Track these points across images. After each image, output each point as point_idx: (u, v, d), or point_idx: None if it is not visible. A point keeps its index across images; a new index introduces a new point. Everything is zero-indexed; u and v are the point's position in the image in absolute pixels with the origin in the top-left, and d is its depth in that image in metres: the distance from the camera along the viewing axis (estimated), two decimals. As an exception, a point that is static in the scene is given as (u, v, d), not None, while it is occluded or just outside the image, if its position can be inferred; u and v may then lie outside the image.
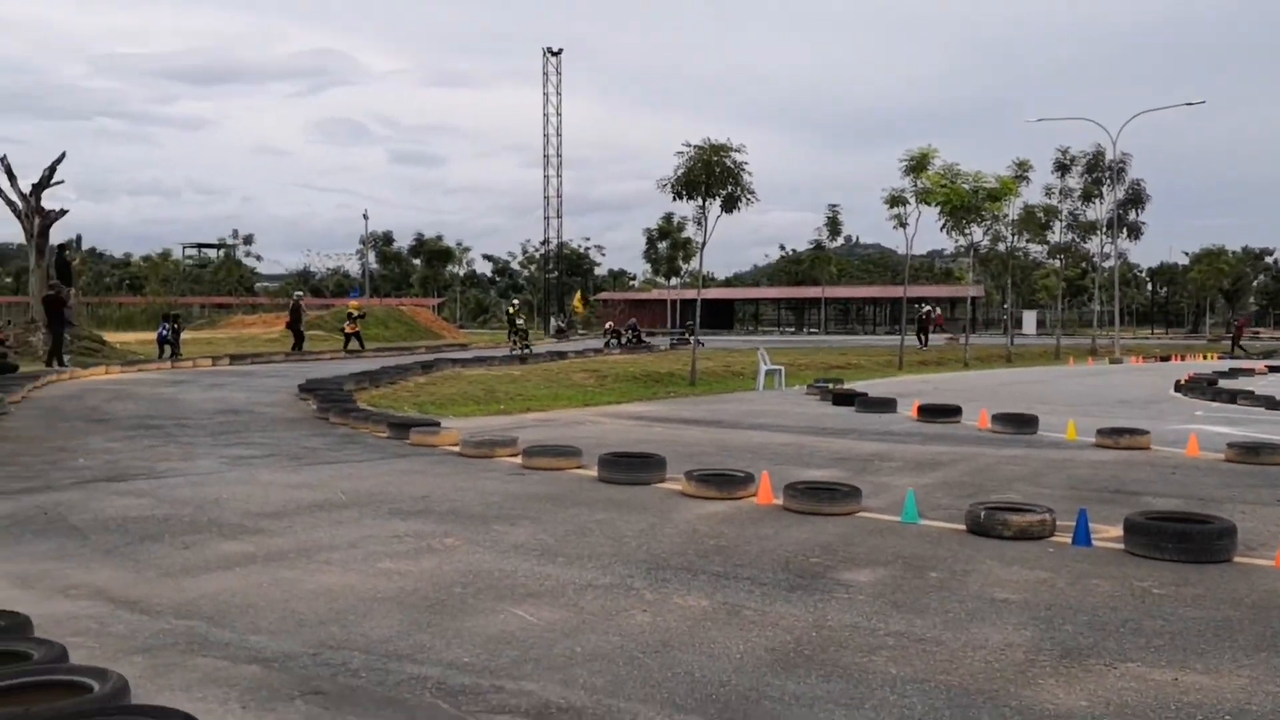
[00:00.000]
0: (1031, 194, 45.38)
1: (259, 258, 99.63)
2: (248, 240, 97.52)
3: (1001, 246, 44.89)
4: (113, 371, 27.01)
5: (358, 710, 4.86)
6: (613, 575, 7.38)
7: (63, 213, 31.83)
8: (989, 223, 37.54)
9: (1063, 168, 44.42)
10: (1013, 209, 40.19)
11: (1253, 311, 75.25)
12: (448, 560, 7.79)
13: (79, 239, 32.23)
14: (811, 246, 73.62)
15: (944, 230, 35.57)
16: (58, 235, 32.11)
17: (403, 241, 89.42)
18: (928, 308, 44.16)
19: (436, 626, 6.17)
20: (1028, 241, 46.94)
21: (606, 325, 47.57)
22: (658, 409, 20.48)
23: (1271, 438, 14.22)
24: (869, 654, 5.75)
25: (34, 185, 30.79)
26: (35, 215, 30.73)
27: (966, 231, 36.64)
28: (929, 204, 33.40)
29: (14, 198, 30.63)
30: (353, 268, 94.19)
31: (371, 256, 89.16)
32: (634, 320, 47.26)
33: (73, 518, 9.18)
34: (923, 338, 39.28)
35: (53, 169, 31.17)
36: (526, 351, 33.84)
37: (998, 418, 16.63)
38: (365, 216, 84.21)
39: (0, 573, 7.25)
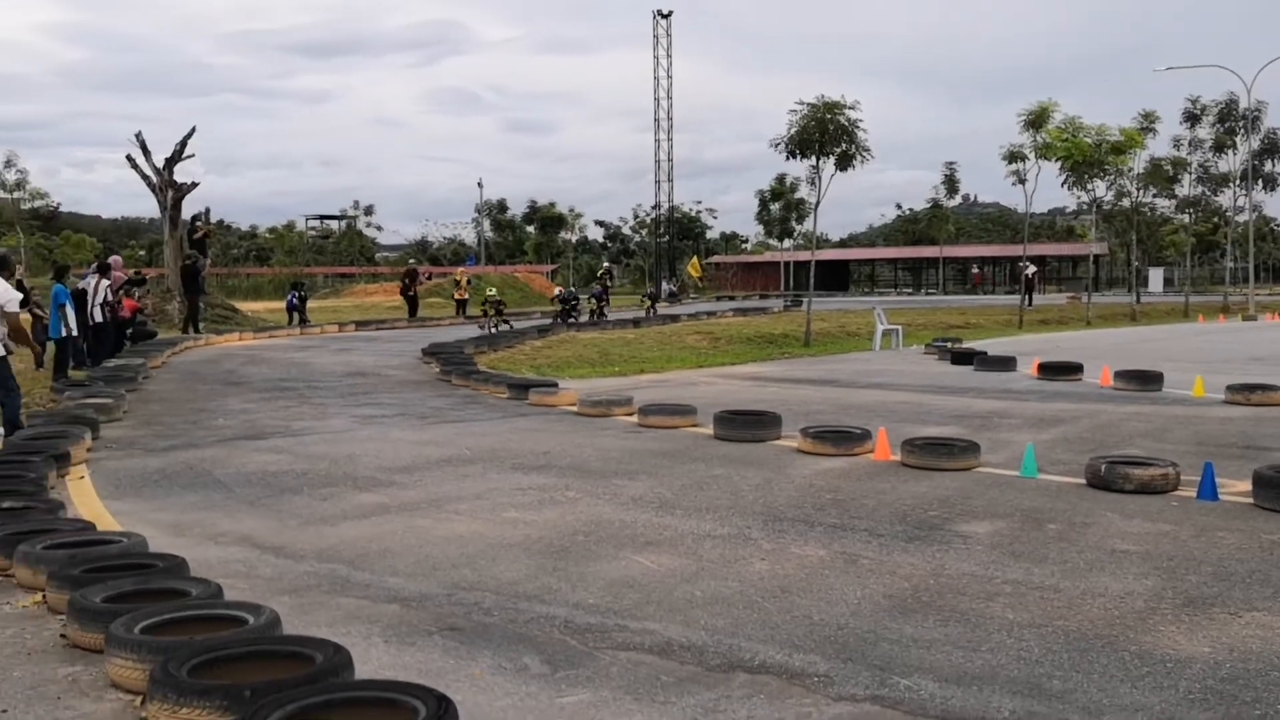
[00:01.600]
0: (1158, 146, 43.73)
1: (379, 228, 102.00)
2: (368, 211, 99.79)
3: (1126, 202, 43.48)
4: (245, 338, 28.13)
5: (491, 645, 5.13)
6: (730, 526, 7.55)
7: (194, 185, 33.11)
8: (1113, 177, 36.40)
9: (1193, 118, 42.67)
10: (1138, 162, 38.88)
11: None
12: (570, 511, 8.06)
13: (207, 211, 33.59)
14: (929, 205, 72.39)
15: (1065, 186, 34.65)
16: (189, 208, 33.39)
17: (516, 209, 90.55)
18: (1031, 268, 42.84)
19: (561, 571, 6.43)
20: (1154, 196, 45.36)
21: (555, 293, 37.78)
22: (772, 369, 20.53)
23: None
24: (986, 600, 5.82)
25: (166, 160, 32.06)
26: (168, 189, 32.01)
27: (1089, 187, 35.62)
28: (1049, 159, 32.51)
29: (149, 172, 31.94)
30: (468, 236, 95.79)
31: (486, 224, 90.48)
32: (602, 286, 38.69)
33: (217, 472, 9.72)
34: (1028, 297, 38.30)
35: (183, 144, 32.40)
36: (505, 328, 29.65)
37: (1121, 375, 16.28)
38: (480, 185, 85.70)
39: (155, 521, 7.75)
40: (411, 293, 37.55)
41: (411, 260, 43.86)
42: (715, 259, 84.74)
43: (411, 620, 5.52)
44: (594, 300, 36.65)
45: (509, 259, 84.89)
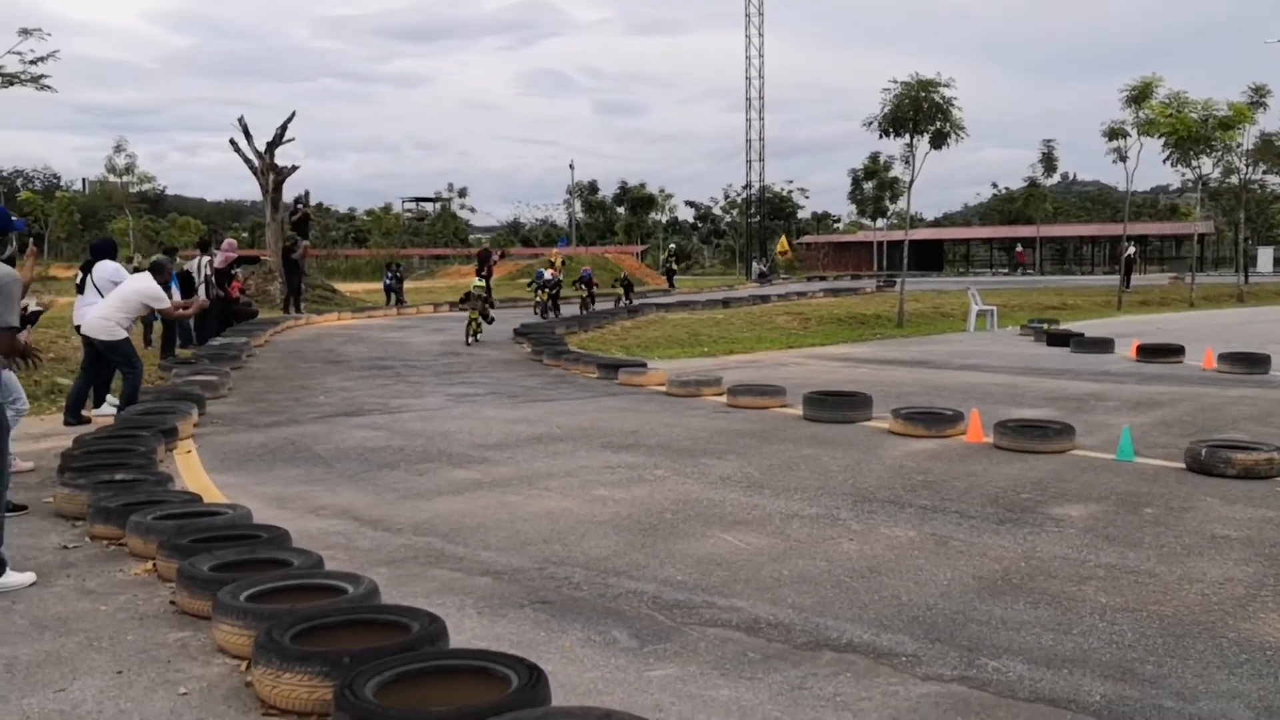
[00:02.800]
0: (1269, 121, 42.11)
1: (473, 210, 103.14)
2: (462, 193, 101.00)
3: (1234, 179, 42.03)
4: (344, 318, 28.77)
5: (581, 619, 5.23)
6: (819, 506, 7.56)
7: (294, 169, 33.86)
8: (1220, 154, 35.20)
9: (1307, 91, 41.07)
10: (1247, 138, 37.52)
11: None
12: (658, 489, 8.14)
13: (307, 194, 34.24)
14: (1025, 184, 70.79)
15: (1168, 163, 33.62)
16: (289, 191, 34.15)
17: (607, 190, 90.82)
18: (1132, 248, 41.52)
19: (650, 548, 6.51)
20: (1265, 173, 43.78)
21: (547, 276, 29.48)
22: (863, 350, 20.37)
23: None
24: (1079, 584, 5.75)
25: (268, 144, 32.83)
26: (270, 172, 32.81)
27: (1194, 164, 34.51)
28: (1152, 136, 31.58)
29: (251, 156, 32.75)
30: (559, 218, 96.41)
31: (577, 206, 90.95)
32: (586, 272, 32.42)
33: (317, 448, 10.00)
34: (1126, 279, 37.17)
35: (284, 128, 33.14)
36: (487, 320, 21.77)
37: (1225, 357, 15.82)
38: (571, 167, 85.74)
39: (258, 494, 8.02)
40: (485, 273, 37.41)
41: (483, 240, 44.41)
42: (806, 239, 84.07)
43: (503, 593, 5.65)
44: (583, 286, 31.25)
45: (600, 240, 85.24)
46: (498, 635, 4.97)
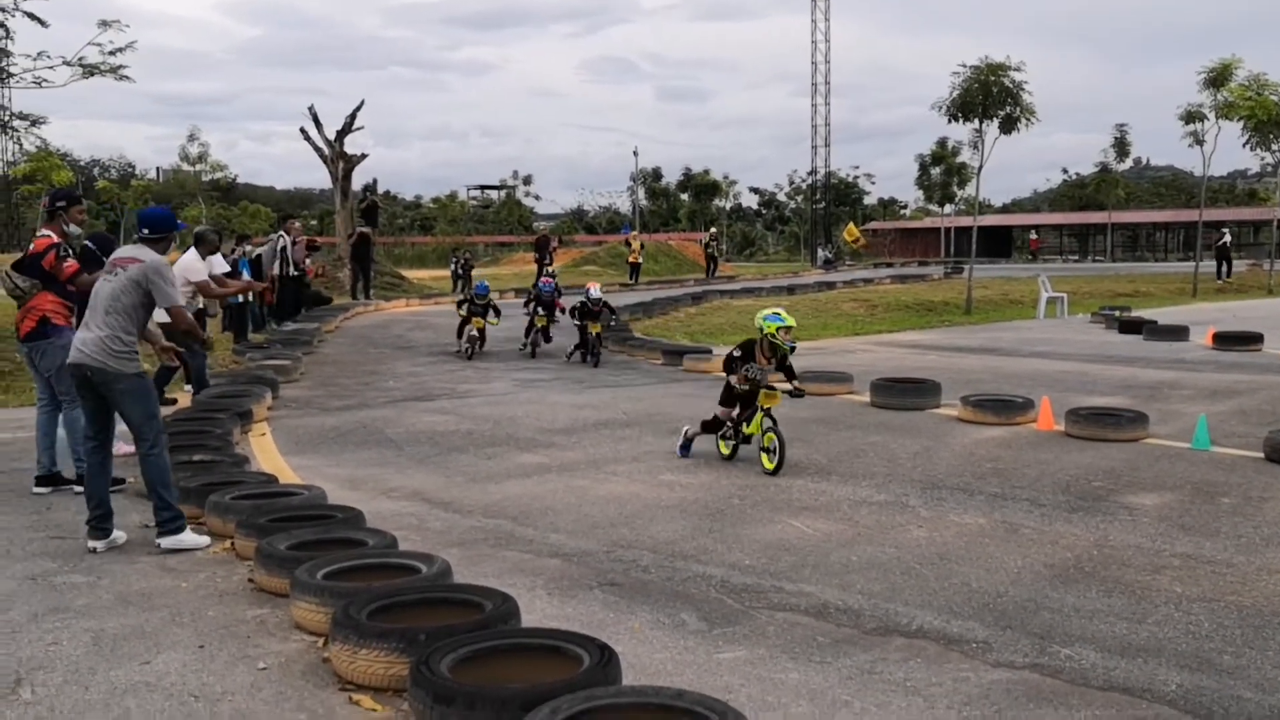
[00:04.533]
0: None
1: (537, 197, 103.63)
2: (527, 181, 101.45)
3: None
4: (412, 304, 29.06)
5: (650, 601, 5.27)
6: (887, 493, 7.52)
7: (363, 157, 34.20)
8: (1301, 137, 34.18)
9: (1393, 71, 39.82)
10: (1331, 120, 36.44)
11: None
12: (725, 475, 8.15)
13: (375, 183, 34.93)
14: (1097, 169, 69.38)
15: (1248, 147, 32.74)
16: (358, 179, 34.58)
17: (671, 177, 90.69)
18: (1227, 235, 40.45)
19: (717, 532, 6.53)
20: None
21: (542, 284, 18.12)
22: (931, 337, 20.16)
23: None
24: (1153, 573, 5.68)
25: (337, 132, 33.20)
26: (339, 160, 33.19)
27: (1274, 148, 33.57)
28: (1230, 119, 30.78)
29: (320, 144, 33.16)
30: (623, 205, 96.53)
31: (641, 193, 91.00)
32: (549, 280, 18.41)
33: (388, 431, 10.15)
34: (1224, 268, 36.22)
35: (353, 116, 33.49)
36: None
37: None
38: (635, 154, 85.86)
39: (332, 475, 8.17)
40: (547, 261, 37.25)
41: (541, 226, 44.50)
42: (873, 225, 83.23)
43: (573, 574, 5.71)
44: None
45: (663, 227, 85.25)
46: (568, 616, 5.03)
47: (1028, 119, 24.24)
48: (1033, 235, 70.88)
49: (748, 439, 8.48)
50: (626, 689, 3.68)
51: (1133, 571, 5.71)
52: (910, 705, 4.06)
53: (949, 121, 24.89)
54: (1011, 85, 23.90)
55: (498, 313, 16.88)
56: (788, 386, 8.46)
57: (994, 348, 17.83)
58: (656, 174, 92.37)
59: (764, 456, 8.16)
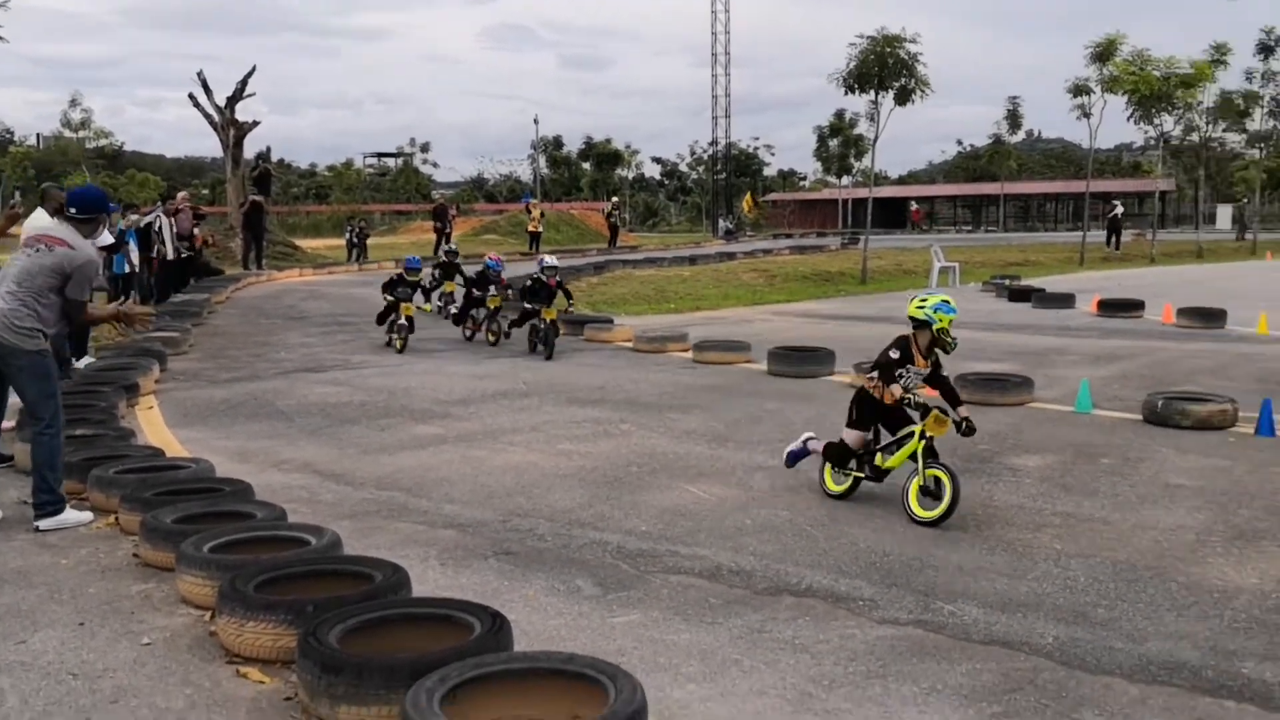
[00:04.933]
0: (1230, 79, 42.29)
1: (436, 165, 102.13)
2: (424, 148, 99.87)
3: (1195, 137, 42.35)
4: (305, 274, 28.50)
5: (545, 569, 5.27)
6: (782, 459, 7.62)
7: (255, 124, 33.36)
8: (1181, 111, 35.38)
9: (1266, 50, 41.18)
10: (1208, 96, 37.72)
11: None
12: (624, 443, 8.18)
13: (268, 150, 33.87)
14: (990, 141, 70.88)
15: (1131, 120, 33.78)
16: (250, 147, 33.67)
17: (572, 146, 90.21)
18: (1120, 207, 41.67)
19: (615, 500, 6.56)
20: (1224, 131, 44.08)
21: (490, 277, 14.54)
22: (828, 307, 20.46)
23: None
24: (1034, 531, 5.86)
25: (228, 99, 32.30)
26: (230, 127, 32.30)
27: (1156, 121, 34.69)
28: (1116, 93, 31.72)
29: (211, 111, 32.23)
30: (524, 173, 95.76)
31: (542, 161, 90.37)
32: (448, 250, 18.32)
33: (279, 403, 9.96)
34: (1114, 239, 37.37)
35: (244, 82, 32.60)
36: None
37: (1183, 312, 16.03)
38: (536, 121, 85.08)
39: (221, 448, 7.99)
40: (444, 228, 36.46)
41: (440, 195, 44.01)
42: (772, 196, 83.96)
43: (467, 544, 5.68)
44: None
45: (565, 196, 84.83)
46: (461, 585, 5.00)
47: (922, 90, 24.65)
48: (913, 206, 72.02)
49: (880, 474, 6.42)
50: (518, 655, 3.68)
51: (1015, 530, 5.89)
52: (798, 662, 4.14)
53: (846, 93, 25.21)
54: (907, 57, 24.25)
55: (426, 295, 15.40)
56: (953, 414, 6.29)
57: (889, 316, 18.12)
58: (557, 142, 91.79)
59: (914, 499, 6.04)
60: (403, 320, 13.67)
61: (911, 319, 6.44)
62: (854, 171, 67.38)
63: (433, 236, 36.17)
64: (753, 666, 4.10)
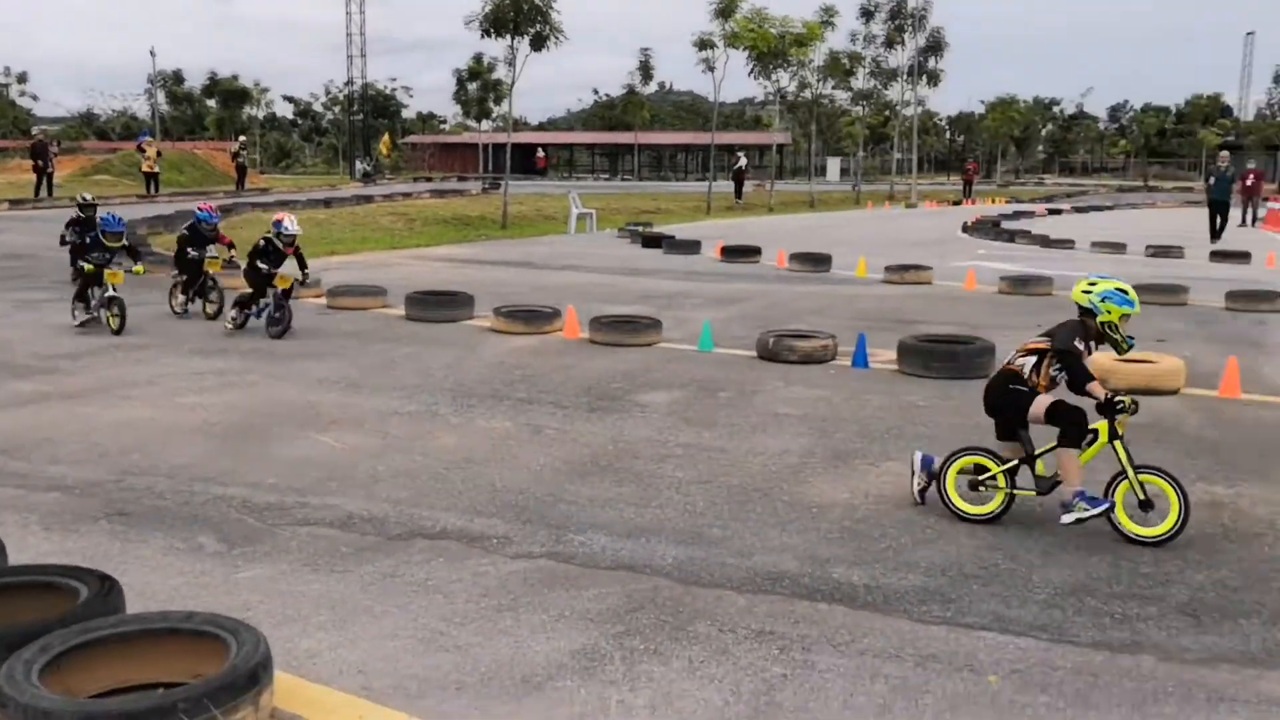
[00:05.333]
0: (837, 40, 45.89)
1: (35, 98, 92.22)
2: (21, 79, 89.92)
3: (807, 93, 45.66)
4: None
5: (164, 528, 4.99)
6: (418, 403, 7.60)
7: None
8: (795, 69, 38.03)
9: (867, 14, 45.05)
10: (819, 55, 40.77)
11: (976, 156, 77.73)
12: (251, 394, 7.84)
13: None
14: (625, 91, 73.10)
15: (752, 75, 35.93)
16: None
17: (195, 81, 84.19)
18: (743, 160, 44.41)
19: (241, 453, 6.29)
20: (833, 88, 47.82)
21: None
22: (468, 251, 20.44)
23: (1040, 271, 15.36)
24: (659, 462, 6.20)
25: None
26: None
27: (774, 77, 37.10)
28: (737, 48, 33.58)
29: None
30: (140, 109, 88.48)
31: (161, 97, 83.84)
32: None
33: None
34: (739, 190, 39.81)
35: None
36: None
37: (795, 257, 17.36)
38: (152, 54, 78.36)
39: None
40: (46, 167, 33.04)
41: (40, 130, 40.13)
42: (411, 139, 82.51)
43: (75, 507, 5.26)
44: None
45: (189, 135, 79.27)
46: (68, 550, 4.64)
47: (557, 38, 24.94)
48: (540, 153, 73.27)
49: (1049, 486, 5.19)
50: (130, 617, 3.47)
51: (642, 462, 6.20)
52: (430, 603, 4.17)
53: (483, 37, 25.09)
54: (540, 3, 24.44)
55: (137, 257, 11.51)
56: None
57: (528, 261, 18.43)
58: (178, 77, 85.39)
59: (1124, 516, 4.98)
60: (111, 291, 10.28)
61: (1077, 305, 5.29)
62: (494, 116, 67.37)
63: (33, 177, 32.63)
64: (384, 611, 4.09)
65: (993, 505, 5.24)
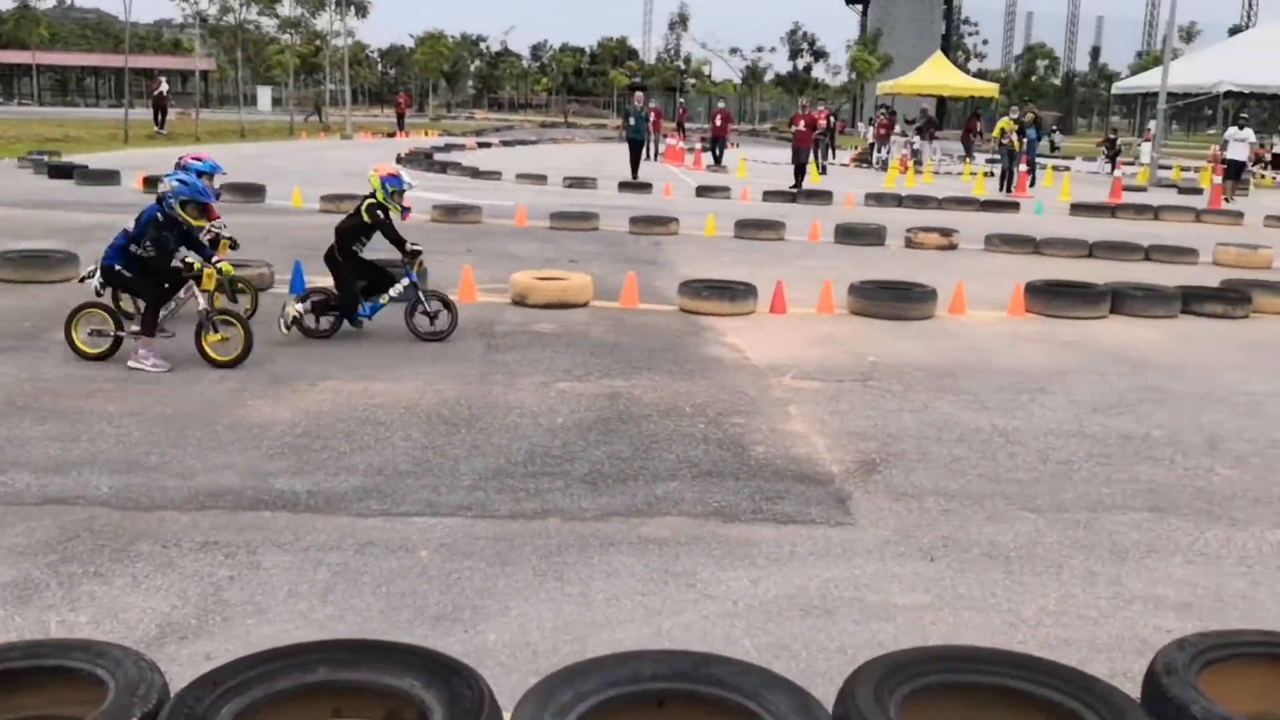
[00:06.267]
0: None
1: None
2: None
3: (230, 18, 43.57)
4: None
5: None
6: None
7: None
8: (215, -9, 36.17)
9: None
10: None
11: (408, 89, 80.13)
12: None
13: None
14: (17, 5, 64.82)
15: (170, -5, 33.71)
16: None
17: None
18: (164, 86, 41.22)
19: None
20: (259, 14, 46.00)
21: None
22: None
23: (469, 201, 16.22)
24: (87, 398, 5.97)
25: None
26: None
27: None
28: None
29: None
30: None
31: None
32: None
33: None
34: (159, 118, 37.06)
35: None
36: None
37: (227, 187, 16.76)
38: None
39: None
40: None
41: None
42: None
43: None
44: None
45: None
46: None
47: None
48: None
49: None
50: None
51: (67, 399, 5.93)
52: None
53: None
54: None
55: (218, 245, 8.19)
56: None
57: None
58: None
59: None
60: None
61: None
62: None
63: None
64: None
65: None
